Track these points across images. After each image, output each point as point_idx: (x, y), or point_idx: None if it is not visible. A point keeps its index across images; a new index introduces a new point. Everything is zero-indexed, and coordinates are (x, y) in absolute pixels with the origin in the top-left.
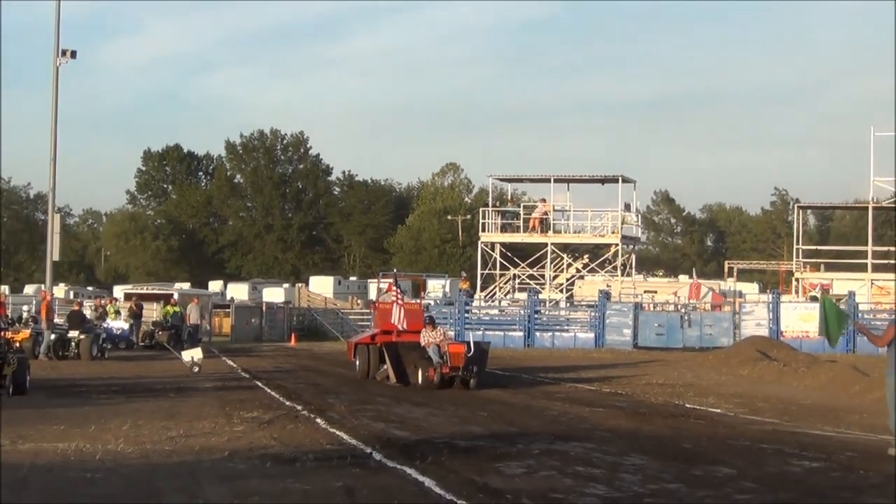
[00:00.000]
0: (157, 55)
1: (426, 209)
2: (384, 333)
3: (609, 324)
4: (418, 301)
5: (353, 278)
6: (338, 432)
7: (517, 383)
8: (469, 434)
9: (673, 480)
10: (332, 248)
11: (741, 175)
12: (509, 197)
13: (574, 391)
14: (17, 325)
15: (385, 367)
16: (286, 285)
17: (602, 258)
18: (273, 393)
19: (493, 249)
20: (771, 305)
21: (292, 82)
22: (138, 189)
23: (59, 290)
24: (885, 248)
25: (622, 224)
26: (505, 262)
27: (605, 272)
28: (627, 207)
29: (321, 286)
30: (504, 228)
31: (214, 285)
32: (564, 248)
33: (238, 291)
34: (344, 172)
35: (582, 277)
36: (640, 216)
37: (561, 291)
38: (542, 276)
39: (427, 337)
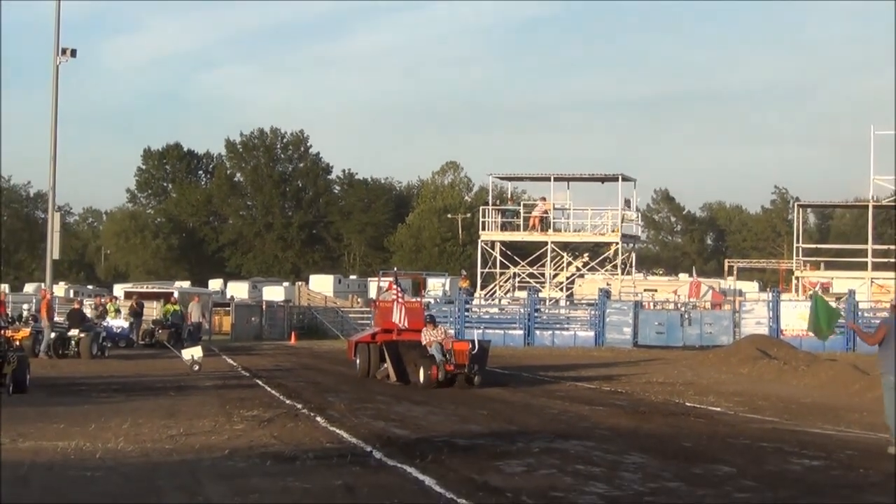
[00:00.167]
0: (157, 54)
1: (426, 208)
2: (385, 332)
3: (609, 322)
4: (419, 300)
5: (353, 277)
6: (338, 431)
7: (517, 382)
8: (469, 432)
9: (673, 479)
10: (332, 246)
11: (741, 173)
12: (509, 195)
13: (574, 389)
14: (17, 323)
15: (385, 365)
16: (286, 284)
17: (602, 257)
18: (273, 391)
19: (493, 248)
20: (771, 304)
21: (292, 81)
22: (138, 188)
23: (59, 289)
24: (885, 247)
25: (622, 221)
26: (505, 261)
27: (605, 271)
28: (627, 203)
29: (321, 285)
30: (504, 227)
31: (214, 284)
32: (564, 246)
33: (238, 290)
34: (344, 171)
35: (582, 276)
36: (640, 214)
37: (561, 290)
38: (543, 275)
39: (428, 336)
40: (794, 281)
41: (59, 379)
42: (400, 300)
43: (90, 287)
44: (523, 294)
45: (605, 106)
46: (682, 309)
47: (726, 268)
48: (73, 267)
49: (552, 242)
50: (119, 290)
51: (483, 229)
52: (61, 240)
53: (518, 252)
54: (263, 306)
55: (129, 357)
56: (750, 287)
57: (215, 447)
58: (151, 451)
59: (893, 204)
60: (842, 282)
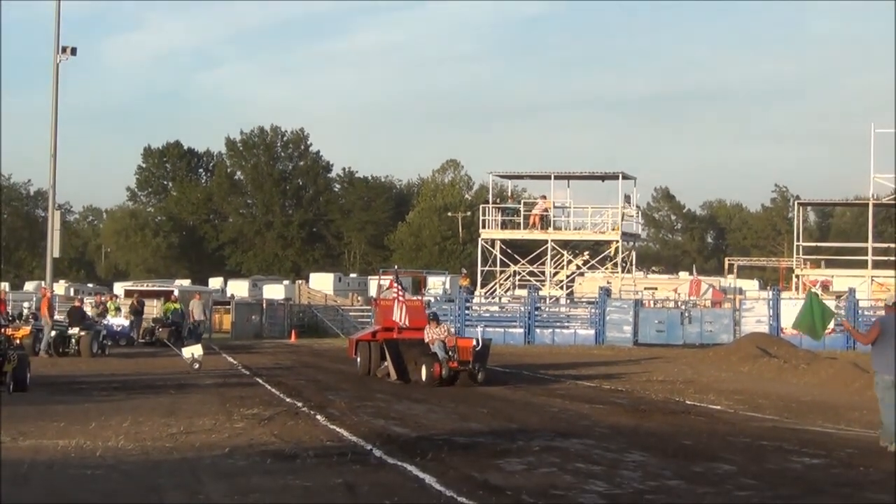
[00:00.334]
0: (157, 52)
1: (426, 206)
2: (385, 330)
3: (609, 320)
4: (419, 298)
5: (353, 275)
6: (338, 429)
7: (517, 380)
8: (469, 431)
9: (673, 477)
10: (333, 244)
11: (742, 172)
12: (509, 194)
13: (574, 388)
14: (17, 321)
15: (386, 363)
16: (286, 282)
17: (602, 255)
18: (273, 389)
19: (493, 246)
20: (771, 302)
21: (292, 79)
22: (138, 186)
23: (60, 287)
24: (886, 245)
25: (622, 218)
26: (505, 259)
27: (606, 269)
28: (628, 199)
29: (321, 283)
30: (504, 225)
31: (215, 282)
32: (565, 244)
33: (238, 288)
34: (344, 169)
35: (582, 274)
36: (640, 212)
37: (561, 288)
38: (543, 273)
39: (431, 333)
40: (794, 279)
41: (60, 377)
42: (401, 298)
43: (90, 285)
44: (523, 292)
45: (605, 104)
46: (683, 307)
47: (726, 266)
48: (73, 265)
49: (552, 241)
50: (119, 288)
51: (483, 227)
52: (61, 238)
53: (518, 250)
54: (264, 304)
55: (130, 355)
56: (750, 285)
57: (215, 445)
58: (152, 449)
59: (894, 202)
60: (842, 280)
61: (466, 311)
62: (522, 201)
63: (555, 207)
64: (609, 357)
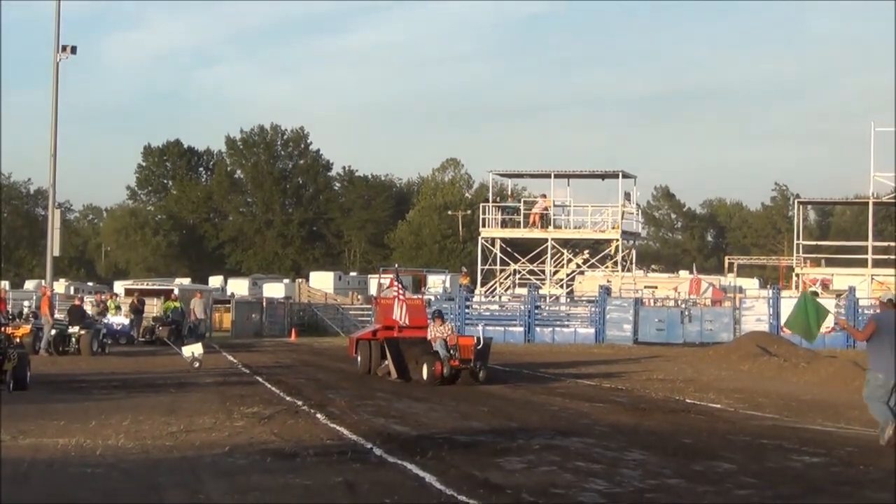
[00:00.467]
0: (157, 51)
1: (426, 205)
2: (386, 329)
3: (609, 319)
4: (420, 296)
5: (353, 274)
6: (338, 427)
7: (517, 378)
8: (469, 429)
9: (673, 475)
10: (333, 243)
11: (742, 170)
12: (510, 192)
13: (574, 386)
14: (17, 320)
15: (386, 362)
16: (286, 281)
17: (602, 253)
18: (273, 388)
19: (493, 245)
20: (771, 301)
21: (292, 78)
22: (138, 184)
23: (60, 286)
24: (886, 244)
25: (622, 216)
26: (505, 258)
27: (606, 268)
28: (628, 197)
29: (321, 281)
30: (504, 224)
31: (215, 281)
32: (565, 243)
33: (238, 287)
34: (344, 168)
35: (582, 273)
36: (640, 211)
37: (561, 287)
38: (543, 272)
39: (435, 331)
40: (794, 278)
41: (60, 376)
42: (401, 297)
43: (90, 284)
44: (523, 291)
45: (605, 103)
46: (683, 306)
47: (726, 265)
48: (73, 264)
49: (552, 239)
50: (119, 286)
51: (483, 226)
52: (61, 237)
53: (518, 249)
54: (264, 303)
55: (130, 354)
56: (750, 284)
57: (215, 444)
58: (152, 447)
59: (894, 201)
60: (842, 278)
61: (466, 310)
62: (522, 200)
63: (555, 206)
64: (609, 356)
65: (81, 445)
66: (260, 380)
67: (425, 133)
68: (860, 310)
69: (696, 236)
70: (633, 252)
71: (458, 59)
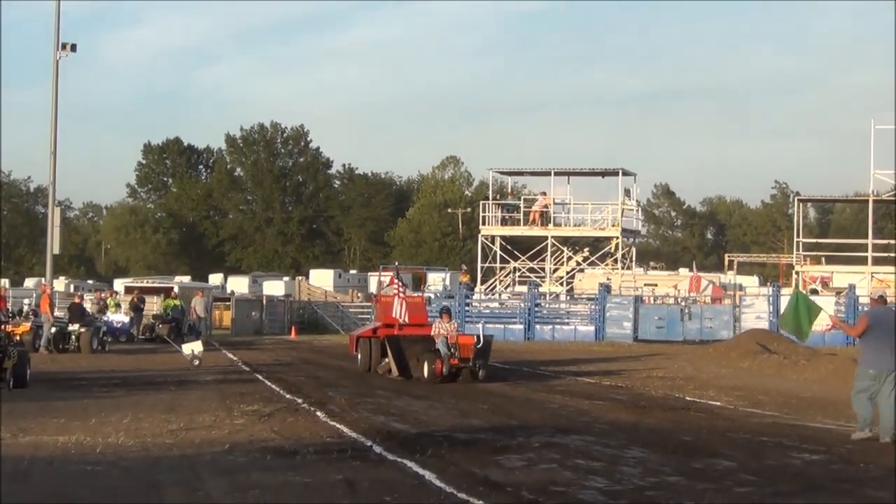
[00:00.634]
0: (157, 49)
1: (426, 202)
2: (386, 327)
3: (609, 317)
4: (420, 294)
5: (353, 271)
6: (338, 425)
7: (517, 376)
8: (469, 427)
9: (673, 473)
10: (333, 241)
11: (742, 168)
12: (509, 190)
13: (574, 384)
14: (17, 318)
15: (387, 360)
16: (286, 278)
17: (602, 251)
18: (273, 386)
19: (493, 242)
20: (771, 298)
21: (292, 76)
22: (138, 182)
23: (60, 284)
24: (886, 241)
25: (622, 213)
26: (505, 256)
27: (606, 265)
28: (628, 193)
29: (321, 279)
30: (504, 221)
31: (215, 278)
32: (565, 241)
33: (238, 284)
34: (344, 165)
35: (582, 270)
36: (640, 209)
37: (561, 284)
38: (543, 270)
39: (439, 328)
40: (794, 275)
41: (60, 374)
42: (401, 295)
43: (90, 282)
44: (523, 289)
45: (605, 101)
46: (683, 303)
47: (726, 262)
48: (73, 262)
49: (552, 237)
50: (119, 284)
51: (483, 224)
52: (61, 234)
53: (518, 247)
54: (264, 301)
55: (130, 352)
56: (750, 281)
57: (215, 442)
58: (152, 445)
59: (894, 198)
60: (842, 276)
61: (466, 308)
62: (522, 198)
63: (555, 204)
64: (609, 353)
65: (81, 443)
66: (260, 377)
67: (425, 131)
68: (860, 307)
69: (696, 234)
70: (633, 250)
71: (459, 56)
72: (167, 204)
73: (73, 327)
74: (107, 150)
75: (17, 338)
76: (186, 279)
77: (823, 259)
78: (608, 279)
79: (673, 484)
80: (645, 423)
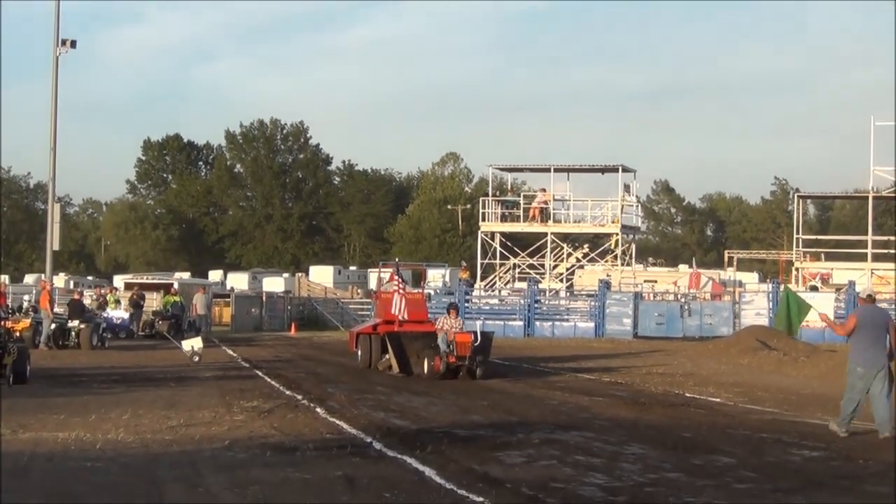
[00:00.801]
0: (157, 45)
1: (426, 199)
2: (386, 323)
3: (609, 313)
4: (420, 291)
5: (353, 268)
6: (338, 422)
7: (517, 373)
8: (469, 423)
9: (673, 469)
10: (332, 237)
11: (741, 165)
12: (509, 186)
13: (574, 381)
14: (17, 314)
15: (387, 356)
16: (286, 275)
17: (602, 248)
18: (273, 382)
19: (493, 239)
20: (771, 295)
21: (292, 72)
22: (138, 179)
23: (59, 280)
24: (885, 238)
25: (622, 209)
26: (505, 252)
27: (605, 262)
28: (627, 189)
29: (321, 276)
30: (504, 218)
31: (214, 275)
32: (564, 237)
33: (238, 281)
34: (344, 162)
35: (582, 267)
36: (640, 205)
37: (561, 281)
38: (542, 266)
39: (444, 323)
40: (793, 272)
41: (60, 370)
42: (401, 291)
43: (90, 278)
44: (523, 285)
45: (605, 97)
46: (682, 300)
47: (726, 259)
48: (73, 258)
49: (552, 233)
50: (119, 281)
51: (483, 220)
52: (61, 231)
53: (518, 243)
54: (263, 297)
55: (129, 348)
56: (750, 278)
57: (215, 438)
58: (151, 441)
59: (893, 195)
60: (842, 273)
61: (466, 304)
62: (522, 194)
63: (554, 200)
64: (609, 350)
65: (81, 439)
66: (260, 374)
67: (425, 127)
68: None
69: (695, 230)
70: (633, 246)
71: (458, 53)
72: (167, 200)
73: (73, 324)
74: (107, 147)
75: (17, 334)
76: (186, 276)
77: (823, 255)
78: (608, 276)
79: (673, 480)
80: (645, 419)
